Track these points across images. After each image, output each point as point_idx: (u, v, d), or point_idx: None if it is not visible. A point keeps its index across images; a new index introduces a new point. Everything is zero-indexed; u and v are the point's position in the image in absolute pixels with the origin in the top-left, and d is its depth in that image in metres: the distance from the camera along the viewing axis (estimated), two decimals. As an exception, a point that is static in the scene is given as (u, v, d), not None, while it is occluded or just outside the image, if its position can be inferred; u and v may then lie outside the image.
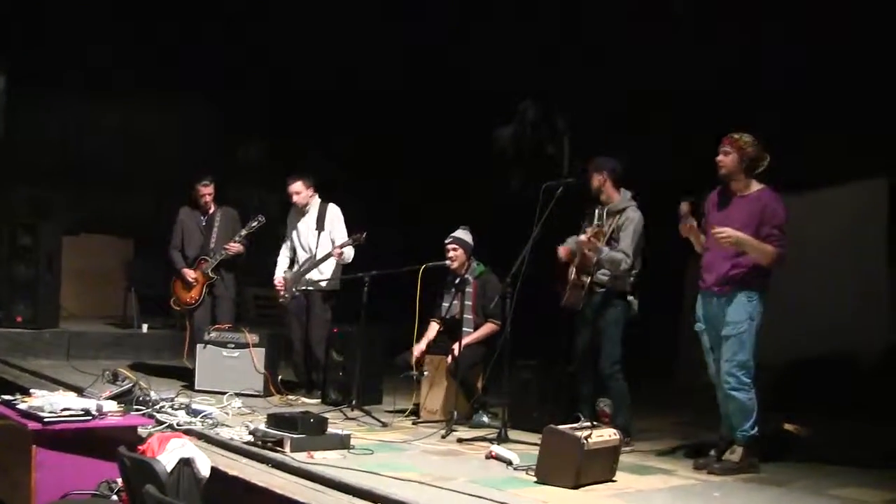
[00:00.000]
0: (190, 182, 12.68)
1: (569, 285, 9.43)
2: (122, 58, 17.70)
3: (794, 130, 12.97)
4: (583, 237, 9.17)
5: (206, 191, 12.56)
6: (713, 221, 8.41)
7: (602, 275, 9.31)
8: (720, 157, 8.39)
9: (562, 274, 9.61)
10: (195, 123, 19.13)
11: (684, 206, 8.34)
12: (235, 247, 12.27)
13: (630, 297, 9.40)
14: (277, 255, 12.14)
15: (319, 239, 11.74)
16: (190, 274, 12.39)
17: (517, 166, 17.78)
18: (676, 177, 8.59)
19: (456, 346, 10.17)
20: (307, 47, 18.53)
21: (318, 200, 11.92)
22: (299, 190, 11.79)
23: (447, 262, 10.64)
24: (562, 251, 9.58)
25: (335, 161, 11.91)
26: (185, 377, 12.01)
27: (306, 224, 11.88)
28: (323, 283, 11.68)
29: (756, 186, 8.38)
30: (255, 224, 12.22)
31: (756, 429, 8.27)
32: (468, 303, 10.59)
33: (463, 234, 10.79)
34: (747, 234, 8.13)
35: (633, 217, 9.35)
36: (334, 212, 11.90)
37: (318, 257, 11.61)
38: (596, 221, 9.31)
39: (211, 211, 12.63)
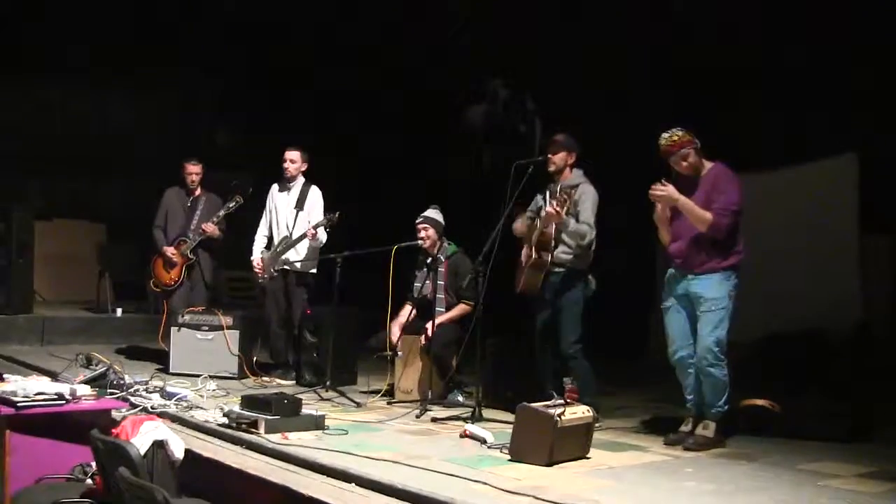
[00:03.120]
0: (179, 161, 12.71)
1: (526, 266, 9.41)
2: (95, 42, 17.63)
3: (767, 109, 13.08)
4: (549, 209, 9.02)
5: (194, 169, 12.60)
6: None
7: (563, 253, 9.27)
8: (678, 168, 8.40)
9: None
10: (169, 108, 19.12)
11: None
12: (210, 227, 12.24)
13: (589, 276, 9.41)
14: (252, 237, 12.12)
15: (297, 219, 11.76)
16: (171, 250, 12.38)
17: (488, 145, 17.80)
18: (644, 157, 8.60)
19: (429, 326, 10.22)
20: (279, 30, 18.54)
21: (302, 180, 11.93)
22: (295, 159, 11.84)
23: (419, 241, 10.66)
24: (518, 226, 9.56)
25: (305, 143, 11.91)
26: (160, 360, 12.02)
27: (286, 203, 11.89)
28: (299, 264, 11.70)
29: (708, 165, 8.43)
30: (233, 204, 12.23)
31: (728, 405, 8.35)
32: (440, 282, 10.61)
33: (434, 213, 10.81)
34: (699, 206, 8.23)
35: (588, 191, 9.33)
36: (316, 194, 11.92)
37: (294, 237, 11.62)
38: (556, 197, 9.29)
39: (197, 193, 12.67)
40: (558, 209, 8.94)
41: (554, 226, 9.16)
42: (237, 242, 12.57)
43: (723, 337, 8.23)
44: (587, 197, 9.29)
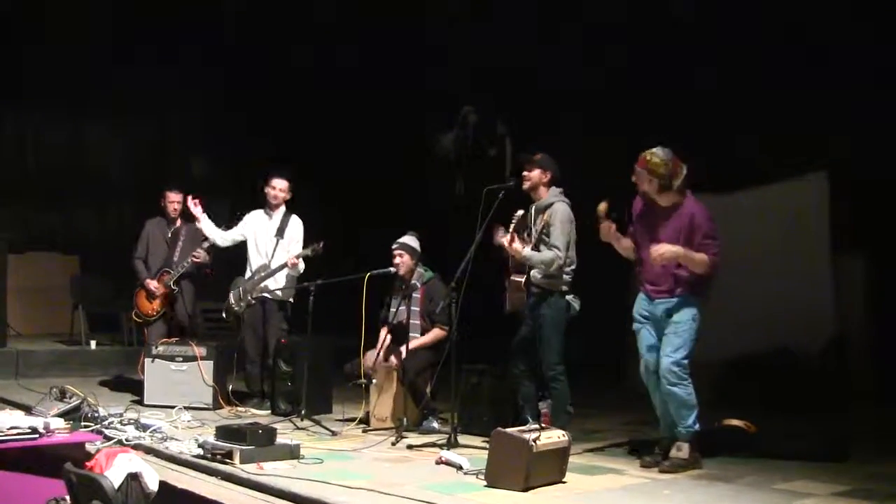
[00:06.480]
0: (160, 190, 12.69)
1: (507, 288, 9.42)
2: (68, 72, 17.60)
3: (729, 129, 13.14)
4: (505, 244, 9.12)
5: (176, 198, 12.51)
6: (639, 232, 8.53)
7: (537, 273, 9.21)
8: (634, 178, 8.40)
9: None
10: (143, 138, 19.08)
11: (602, 207, 8.37)
12: (202, 254, 12.17)
13: (569, 297, 9.29)
14: (228, 269, 12.08)
15: (277, 247, 11.70)
16: (153, 284, 12.36)
17: (459, 170, 17.81)
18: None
19: (403, 350, 10.21)
20: (250, 58, 18.54)
21: (284, 209, 11.88)
22: (284, 188, 11.77)
23: (392, 268, 10.64)
24: (505, 241, 9.51)
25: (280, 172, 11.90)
26: (135, 392, 11.97)
27: (267, 230, 11.81)
28: (279, 293, 11.66)
29: (675, 198, 8.33)
30: None
31: (697, 423, 8.34)
32: (415, 308, 10.57)
33: (409, 239, 10.76)
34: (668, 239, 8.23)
35: (559, 209, 9.20)
36: (296, 224, 11.85)
37: (274, 266, 11.59)
38: (529, 222, 9.31)
39: (178, 224, 12.61)
40: (511, 244, 8.99)
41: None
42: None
43: (683, 358, 8.22)
44: (557, 217, 9.18)
